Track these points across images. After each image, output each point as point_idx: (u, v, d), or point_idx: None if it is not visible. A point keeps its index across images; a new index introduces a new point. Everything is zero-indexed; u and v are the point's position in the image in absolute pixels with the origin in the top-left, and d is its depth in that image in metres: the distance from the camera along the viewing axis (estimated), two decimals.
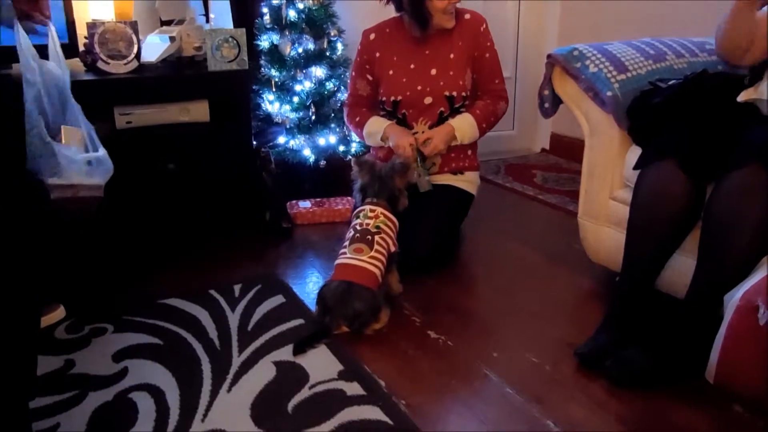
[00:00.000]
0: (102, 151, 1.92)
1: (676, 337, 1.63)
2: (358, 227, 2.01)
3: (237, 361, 1.75)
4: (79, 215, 1.90)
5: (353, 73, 2.54)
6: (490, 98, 2.42)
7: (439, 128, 2.35)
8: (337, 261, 1.97)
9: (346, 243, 1.99)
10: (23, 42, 1.68)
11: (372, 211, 2.05)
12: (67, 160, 1.79)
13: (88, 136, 1.93)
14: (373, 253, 1.94)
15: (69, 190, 1.82)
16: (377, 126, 2.41)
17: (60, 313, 1.99)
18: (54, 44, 1.90)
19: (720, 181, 1.59)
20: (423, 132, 2.36)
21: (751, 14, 1.75)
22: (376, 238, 1.97)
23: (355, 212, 2.11)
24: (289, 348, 1.80)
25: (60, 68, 1.89)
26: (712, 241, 1.59)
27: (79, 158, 1.83)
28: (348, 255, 1.94)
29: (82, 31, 2.52)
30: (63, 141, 1.83)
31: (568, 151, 3.78)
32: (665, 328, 1.65)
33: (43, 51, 1.89)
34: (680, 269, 1.77)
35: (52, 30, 1.89)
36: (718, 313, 1.53)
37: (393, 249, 2.03)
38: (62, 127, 1.85)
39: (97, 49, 2.39)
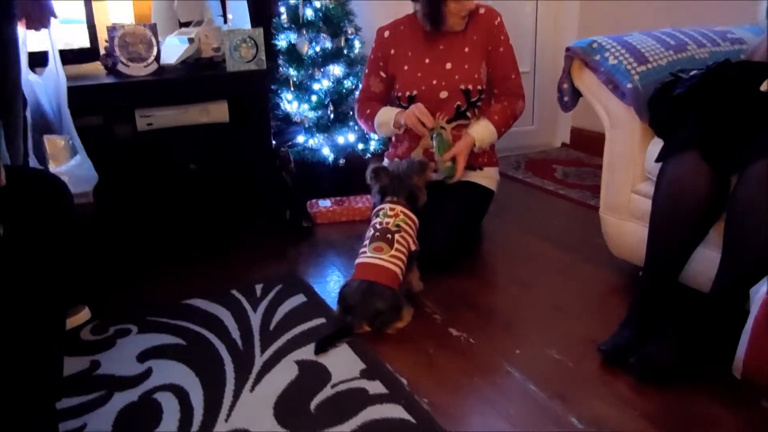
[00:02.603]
0: (76, 160, 1.94)
1: (701, 331, 1.61)
2: (378, 226, 2.01)
3: (259, 360, 1.76)
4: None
5: (366, 71, 2.54)
6: (507, 99, 2.40)
7: (461, 144, 2.33)
8: (358, 260, 1.97)
9: (366, 242, 1.99)
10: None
11: (392, 209, 2.05)
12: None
13: (70, 142, 1.95)
14: (393, 252, 1.93)
15: None
16: (388, 114, 2.41)
17: (85, 314, 2.02)
18: (52, 50, 1.92)
19: (744, 171, 1.56)
20: (437, 131, 2.35)
21: None
22: (396, 236, 1.97)
23: (374, 211, 2.11)
24: (311, 347, 1.80)
25: (57, 74, 1.92)
26: (736, 233, 1.56)
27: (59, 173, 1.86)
28: (368, 254, 1.94)
29: (102, 35, 2.54)
30: (47, 150, 1.86)
31: (588, 145, 3.74)
32: (690, 322, 1.63)
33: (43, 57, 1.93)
34: (705, 262, 1.74)
35: (50, 35, 1.91)
36: (744, 306, 1.51)
37: (413, 247, 2.02)
38: (45, 137, 1.88)
39: (118, 52, 2.42)
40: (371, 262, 1.92)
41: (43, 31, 1.81)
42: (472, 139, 2.33)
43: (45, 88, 1.94)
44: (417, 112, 2.28)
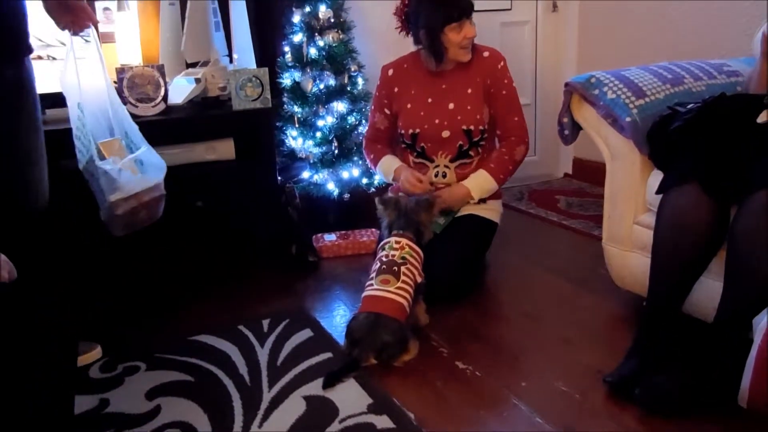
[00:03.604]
0: (145, 147, 2.01)
1: (706, 361, 1.62)
2: (384, 258, 2.03)
3: (267, 396, 1.77)
4: (149, 219, 1.99)
5: (372, 107, 2.59)
6: (507, 146, 2.42)
7: (453, 188, 2.38)
8: (365, 293, 1.99)
9: (373, 275, 2.01)
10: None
11: (397, 242, 2.07)
12: (117, 172, 1.88)
13: (131, 136, 2.03)
14: (399, 284, 1.95)
15: (133, 200, 1.93)
16: (388, 166, 2.48)
17: (97, 353, 2.03)
18: (99, 53, 2.00)
19: (743, 202, 1.59)
20: (440, 169, 2.40)
21: None
22: (402, 269, 1.99)
23: (380, 244, 2.13)
24: (319, 382, 1.81)
25: (102, 76, 1.99)
26: (737, 263, 1.58)
27: (125, 165, 1.92)
28: (375, 286, 1.96)
29: (111, 76, 2.60)
30: (106, 156, 1.92)
31: (591, 175, 3.77)
32: (695, 352, 1.64)
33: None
34: (707, 292, 1.76)
35: (94, 34, 1.99)
36: (748, 336, 1.52)
37: (419, 279, 2.04)
38: (97, 143, 1.93)
39: (126, 93, 2.47)
40: (378, 294, 1.94)
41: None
42: (467, 189, 2.37)
43: (96, 94, 2.01)
44: (408, 185, 2.35)
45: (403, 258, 2.03)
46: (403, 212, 2.13)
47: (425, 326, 2.11)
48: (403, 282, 1.96)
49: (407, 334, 1.93)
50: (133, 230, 2.01)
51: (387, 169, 2.46)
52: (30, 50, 1.69)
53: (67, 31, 1.87)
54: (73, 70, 1.92)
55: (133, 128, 2.08)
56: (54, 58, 2.34)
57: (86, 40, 1.95)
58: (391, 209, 2.15)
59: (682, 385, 1.61)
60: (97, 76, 2.01)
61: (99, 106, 2.01)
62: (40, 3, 1.81)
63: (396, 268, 1.99)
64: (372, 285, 1.98)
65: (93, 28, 1.94)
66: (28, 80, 1.69)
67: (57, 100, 2.08)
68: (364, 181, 2.96)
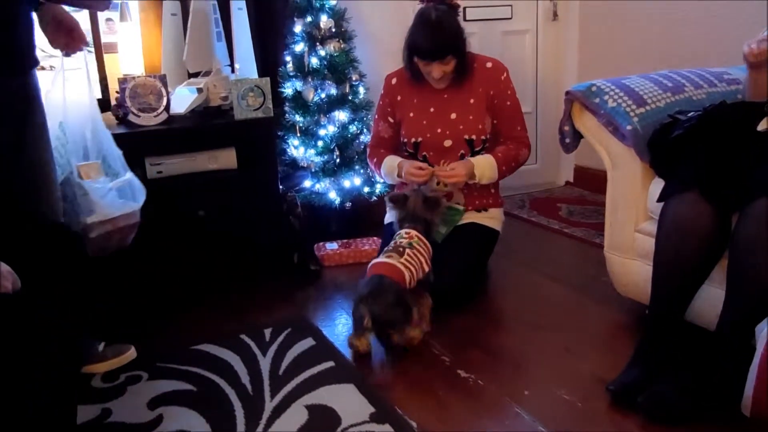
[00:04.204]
0: (129, 174, 2.00)
1: (709, 369, 1.62)
2: (391, 245, 2.11)
3: (269, 405, 1.76)
4: (119, 245, 1.98)
5: (376, 116, 2.60)
6: (512, 143, 2.44)
7: (460, 161, 2.38)
8: (369, 264, 2.08)
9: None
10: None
11: (407, 233, 2.15)
12: (98, 194, 1.88)
13: (119, 160, 2.02)
14: (402, 260, 2.02)
15: (108, 224, 1.91)
16: (390, 163, 2.46)
17: (131, 354, 2.06)
18: (87, 77, 2.01)
19: (744, 209, 1.59)
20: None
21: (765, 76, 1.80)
22: (407, 251, 2.06)
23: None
24: (321, 391, 1.81)
25: (88, 98, 1.99)
26: (739, 272, 1.58)
27: (108, 188, 1.91)
28: (380, 258, 2.06)
29: (113, 86, 2.62)
30: (84, 178, 1.92)
31: (592, 183, 3.77)
32: (697, 360, 1.64)
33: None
34: (710, 300, 1.76)
35: (86, 60, 2.00)
36: (751, 343, 1.52)
37: (426, 269, 2.10)
38: (76, 165, 1.93)
39: (129, 103, 2.48)
40: (382, 261, 2.03)
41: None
42: (472, 164, 2.35)
43: (79, 115, 2.01)
44: (410, 176, 2.34)
45: (410, 244, 2.10)
46: (411, 210, 2.19)
47: (427, 334, 2.10)
48: (406, 259, 2.03)
49: (409, 301, 1.97)
50: (101, 255, 1.98)
51: (390, 166, 2.46)
52: (36, 63, 1.71)
53: (59, 50, 1.89)
54: (60, 88, 1.93)
55: (115, 154, 2.05)
56: (55, 68, 2.36)
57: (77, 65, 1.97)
58: (400, 207, 2.22)
59: (684, 393, 1.61)
60: (82, 97, 2.02)
61: (80, 127, 2.01)
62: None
63: (401, 249, 2.07)
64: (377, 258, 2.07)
65: (85, 50, 1.96)
66: (34, 92, 1.71)
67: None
68: (366, 189, 2.97)
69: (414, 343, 2.01)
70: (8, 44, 1.59)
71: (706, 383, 1.61)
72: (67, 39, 1.87)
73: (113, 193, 1.96)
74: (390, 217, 2.30)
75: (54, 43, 1.86)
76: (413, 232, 2.15)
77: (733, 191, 1.66)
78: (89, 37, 2.44)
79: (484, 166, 2.36)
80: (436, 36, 2.26)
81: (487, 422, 1.67)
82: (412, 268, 2.02)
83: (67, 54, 1.91)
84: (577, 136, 2.24)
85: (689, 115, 1.88)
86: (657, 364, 1.71)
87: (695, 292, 1.75)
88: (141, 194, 2.04)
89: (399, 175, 2.41)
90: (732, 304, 1.61)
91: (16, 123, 1.63)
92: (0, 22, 1.56)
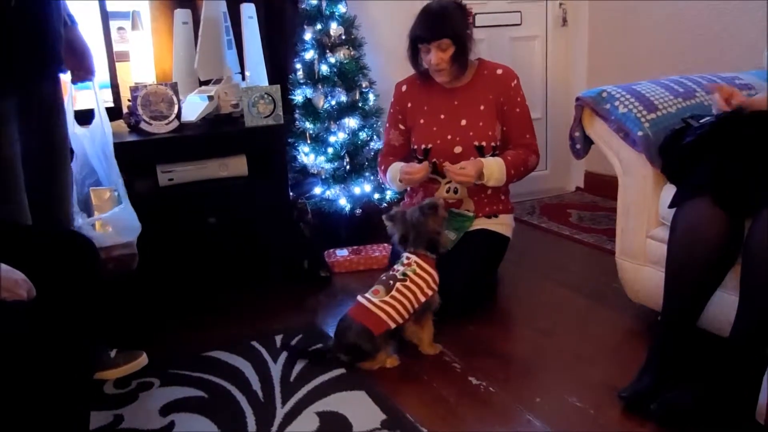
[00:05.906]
0: (120, 209, 2.01)
1: (722, 377, 1.60)
2: (390, 271, 2.07)
3: (281, 412, 1.77)
4: (118, 273, 1.99)
5: (387, 124, 2.60)
6: (522, 148, 2.42)
7: (469, 161, 2.35)
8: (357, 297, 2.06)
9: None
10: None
11: (407, 258, 2.08)
12: (89, 227, 1.90)
13: (116, 193, 2.03)
14: (387, 298, 1.98)
15: (102, 252, 1.92)
16: (393, 169, 2.46)
17: (143, 360, 2.06)
18: (98, 105, 2.01)
19: (757, 216, 1.58)
20: (452, 185, 2.40)
21: None
22: (398, 284, 2.00)
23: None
24: (332, 398, 1.82)
25: (103, 127, 2.00)
26: (752, 277, 1.57)
27: (103, 221, 1.94)
28: (365, 295, 2.02)
29: (125, 94, 2.64)
30: (93, 202, 1.94)
31: (603, 188, 3.76)
32: (711, 368, 1.63)
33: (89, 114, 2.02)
34: (722, 307, 1.74)
35: (95, 90, 2.01)
36: (765, 352, 1.51)
37: (422, 299, 2.02)
38: (90, 189, 1.95)
39: (140, 110, 2.50)
40: (361, 302, 2.01)
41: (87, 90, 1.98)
42: (482, 164, 2.32)
43: (92, 141, 2.04)
44: (408, 176, 2.36)
45: (405, 274, 2.03)
46: (410, 225, 2.10)
47: (438, 339, 2.10)
48: (392, 297, 1.98)
49: (375, 345, 1.96)
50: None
51: (393, 172, 2.46)
52: (64, 70, 1.74)
53: (69, 76, 1.91)
54: (71, 117, 1.95)
55: (120, 183, 2.08)
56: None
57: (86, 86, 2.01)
58: (398, 223, 2.14)
59: (697, 401, 1.60)
60: (95, 124, 2.07)
61: (93, 155, 2.06)
62: None
63: (392, 282, 2.01)
64: (366, 293, 2.04)
65: (93, 80, 1.99)
66: (60, 98, 1.73)
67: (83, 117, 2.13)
68: (376, 196, 2.97)
69: (387, 366, 2.02)
70: (41, 47, 1.62)
71: (720, 391, 1.59)
72: (76, 61, 1.89)
73: (99, 231, 1.98)
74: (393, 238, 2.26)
75: (65, 64, 1.87)
76: (413, 258, 2.06)
77: (746, 197, 1.65)
78: (102, 46, 2.46)
79: (493, 167, 2.35)
80: (434, 17, 2.30)
81: (499, 429, 1.67)
82: (396, 307, 1.98)
83: (74, 81, 1.93)
84: (588, 142, 2.23)
85: (702, 121, 1.87)
86: (669, 371, 1.70)
87: (708, 298, 1.74)
88: (135, 229, 2.05)
89: (401, 180, 2.41)
90: (745, 312, 1.59)
91: (43, 129, 1.66)
92: (33, 25, 1.59)
